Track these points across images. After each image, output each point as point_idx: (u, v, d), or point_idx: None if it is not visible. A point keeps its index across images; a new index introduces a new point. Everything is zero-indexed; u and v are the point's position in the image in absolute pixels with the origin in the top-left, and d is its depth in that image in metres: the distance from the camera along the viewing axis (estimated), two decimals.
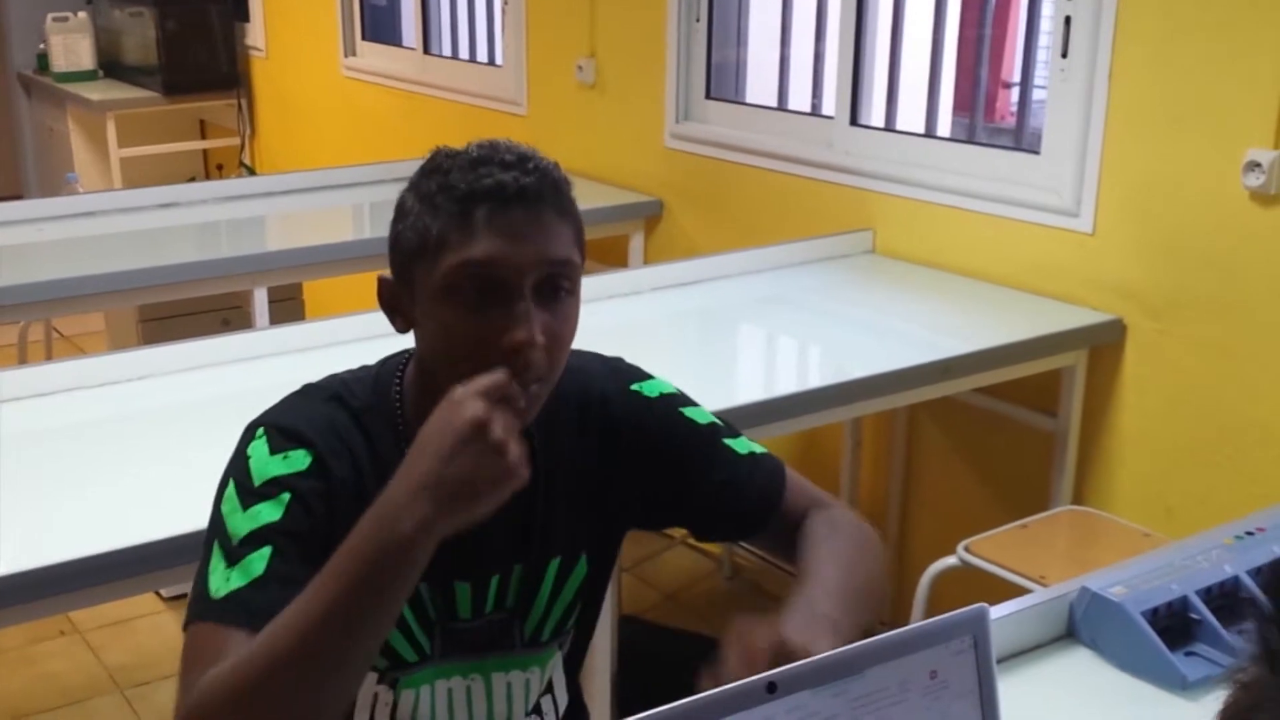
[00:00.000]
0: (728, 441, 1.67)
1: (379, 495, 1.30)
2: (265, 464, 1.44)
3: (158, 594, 3.90)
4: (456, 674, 1.60)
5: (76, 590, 1.95)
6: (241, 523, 1.41)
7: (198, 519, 1.96)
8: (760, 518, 1.66)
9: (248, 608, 1.36)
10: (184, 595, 3.94)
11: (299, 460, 1.45)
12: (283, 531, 1.40)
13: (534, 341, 1.40)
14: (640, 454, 1.63)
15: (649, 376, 1.70)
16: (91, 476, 2.25)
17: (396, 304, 1.51)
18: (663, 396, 1.67)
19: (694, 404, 1.70)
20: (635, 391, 1.66)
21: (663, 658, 3.42)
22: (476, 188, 1.41)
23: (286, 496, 1.42)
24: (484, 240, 1.40)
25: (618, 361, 1.71)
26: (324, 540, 1.39)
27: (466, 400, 1.29)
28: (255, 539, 1.40)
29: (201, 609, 1.39)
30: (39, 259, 3.66)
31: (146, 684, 3.55)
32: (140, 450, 2.38)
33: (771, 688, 1.09)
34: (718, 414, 1.72)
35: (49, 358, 4.91)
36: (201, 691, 1.29)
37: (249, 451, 1.47)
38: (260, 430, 1.48)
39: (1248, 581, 1.74)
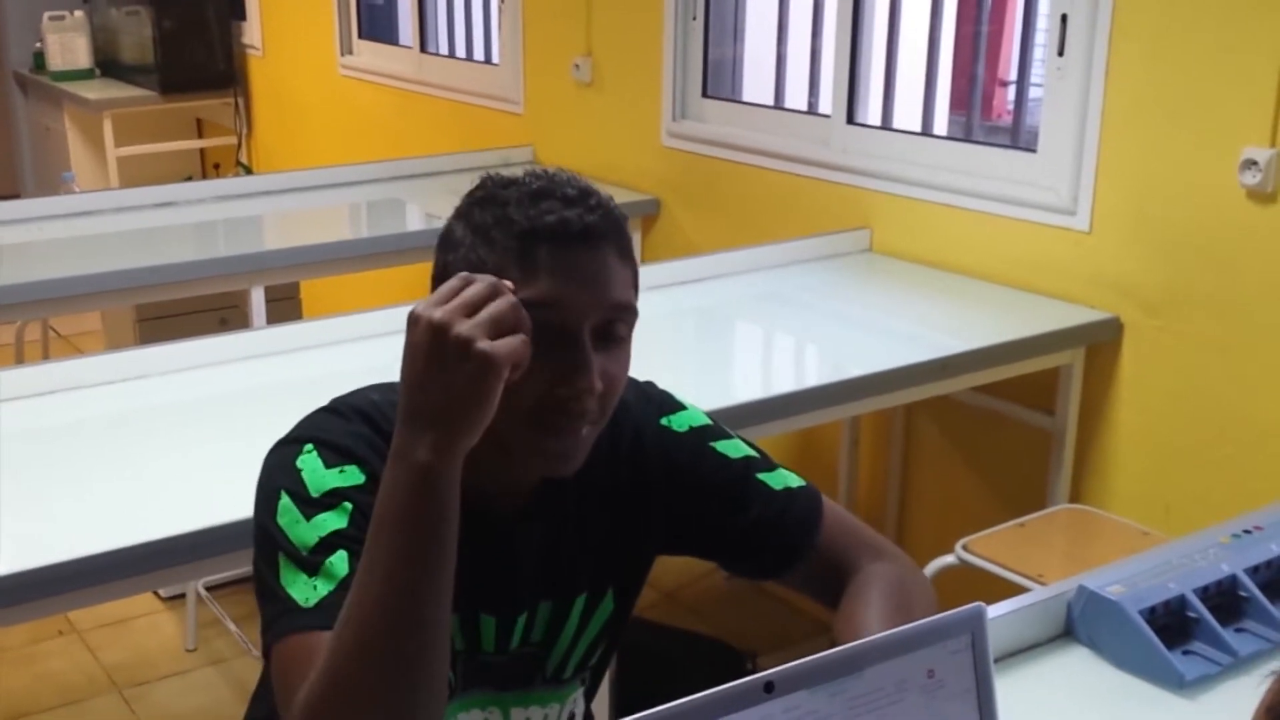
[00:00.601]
0: (761, 476, 1.63)
1: None
2: (322, 476, 1.40)
3: (156, 594, 3.90)
4: (475, 707, 1.58)
5: (75, 590, 1.94)
6: (307, 532, 1.37)
7: (195, 519, 1.99)
8: (791, 556, 1.62)
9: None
10: (181, 595, 3.93)
11: (354, 475, 1.41)
12: (351, 537, 1.36)
13: (594, 389, 1.37)
14: (669, 491, 1.60)
15: (681, 407, 1.66)
16: (89, 476, 2.25)
17: None
18: (693, 430, 1.63)
19: (727, 435, 1.66)
20: (665, 426, 1.62)
21: (662, 657, 3.43)
22: (539, 224, 1.36)
23: (349, 506, 1.38)
24: (545, 281, 1.35)
25: (649, 388, 1.67)
26: None
27: (421, 313, 1.24)
28: (328, 546, 1.36)
29: (293, 621, 1.34)
30: (35, 258, 3.66)
31: (145, 684, 3.55)
32: (138, 450, 2.37)
33: (769, 687, 1.09)
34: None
35: (46, 357, 4.91)
36: (300, 702, 1.26)
37: (299, 464, 1.42)
38: (309, 445, 1.43)
39: (1245, 580, 1.75)
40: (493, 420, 1.27)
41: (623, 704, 2.81)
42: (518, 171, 1.45)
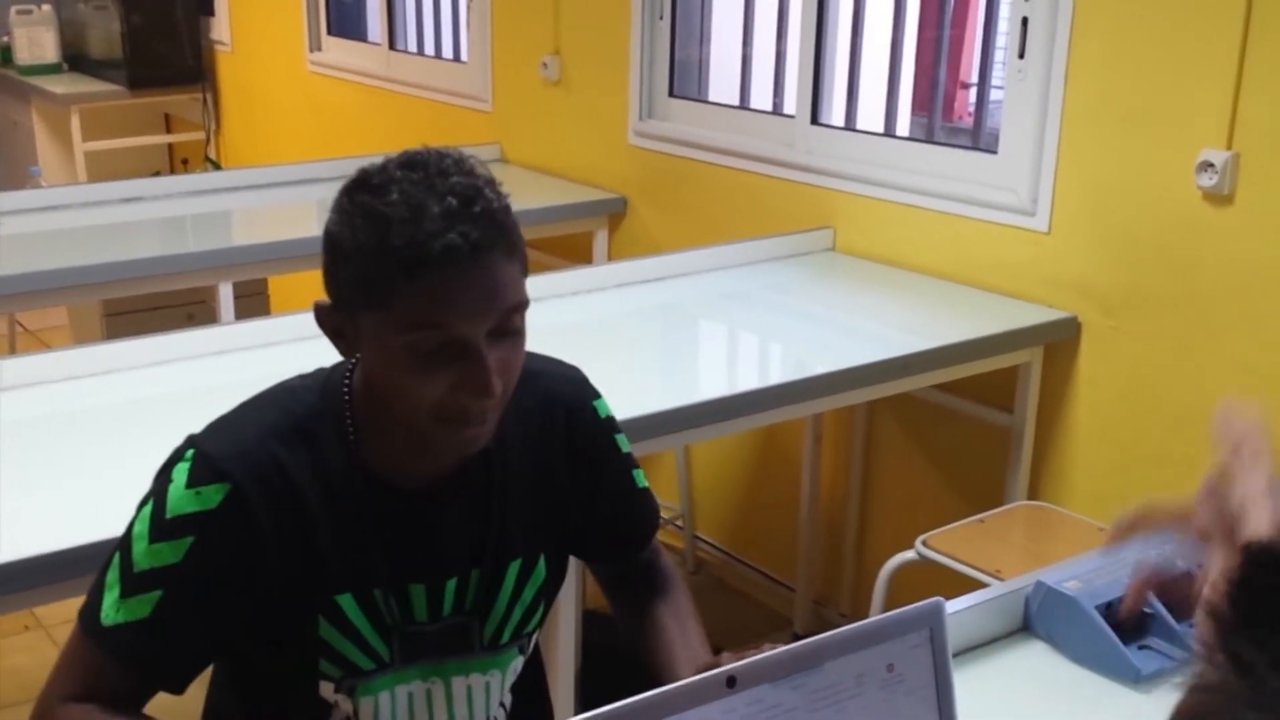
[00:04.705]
0: (635, 473, 1.77)
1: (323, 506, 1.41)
2: (179, 497, 1.46)
3: None
4: (416, 678, 1.61)
5: (41, 586, 1.95)
6: (143, 556, 1.46)
7: None
8: (633, 549, 1.80)
9: (127, 647, 1.46)
10: None
11: (211, 497, 1.46)
12: (177, 577, 1.45)
13: (494, 393, 1.42)
14: (584, 466, 1.69)
15: (600, 395, 1.74)
16: (55, 471, 2.25)
17: (339, 332, 1.49)
18: (608, 419, 1.73)
19: (621, 430, 1.76)
20: (594, 409, 1.71)
21: (626, 652, 3.44)
22: (424, 254, 1.35)
23: (189, 541, 1.45)
24: (436, 307, 1.37)
25: (576, 373, 1.73)
26: (225, 576, 1.46)
27: None
28: (150, 579, 1.45)
29: (89, 625, 1.48)
30: (1, 253, 3.63)
31: None
32: (105, 445, 2.37)
33: (731, 682, 1.10)
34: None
35: (12, 352, 4.89)
36: (42, 704, 1.48)
37: (172, 475, 1.49)
38: (190, 452, 1.50)
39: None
40: (401, 416, 1.42)
41: (586, 698, 2.83)
42: (394, 161, 1.43)
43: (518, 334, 1.46)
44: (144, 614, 1.45)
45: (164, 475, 1.50)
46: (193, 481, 1.46)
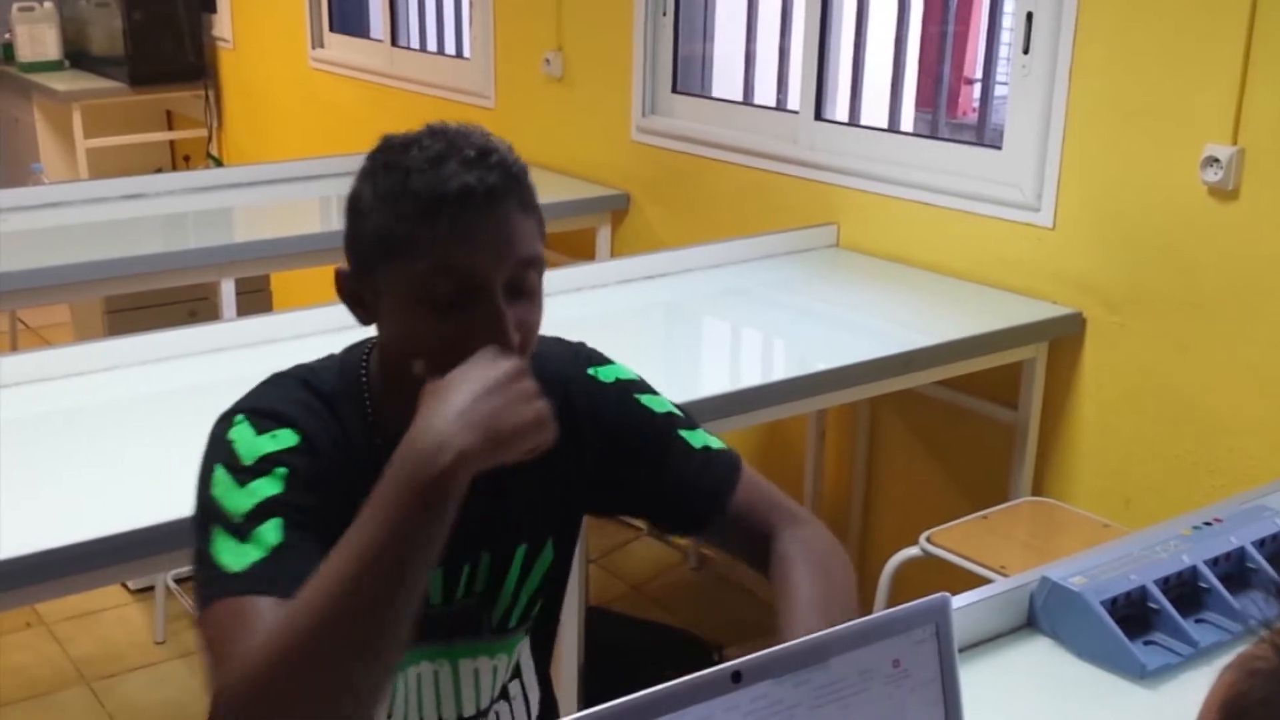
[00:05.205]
0: (683, 433, 1.67)
1: (395, 450, 1.29)
2: (253, 444, 1.42)
3: (124, 586, 3.89)
4: (425, 659, 1.61)
5: (43, 582, 1.94)
6: (242, 499, 1.38)
7: (164, 511, 1.98)
8: (707, 513, 1.66)
9: (272, 575, 1.33)
10: (150, 587, 3.91)
11: (287, 438, 1.43)
12: (287, 503, 1.38)
13: (511, 344, 1.40)
14: (594, 440, 1.63)
15: (608, 361, 1.70)
16: (57, 468, 2.24)
17: (358, 298, 1.49)
18: (618, 382, 1.68)
19: (653, 391, 1.70)
20: (591, 376, 1.66)
21: (630, 648, 3.44)
22: (441, 192, 1.38)
23: (283, 470, 1.40)
24: (453, 247, 1.39)
25: (579, 346, 1.71)
26: (322, 514, 1.38)
27: (500, 357, 1.33)
28: (261, 512, 1.37)
29: (220, 587, 1.34)
30: (3, 250, 3.63)
31: (113, 676, 3.54)
32: (106, 442, 2.37)
33: (736, 677, 1.10)
34: (682, 406, 1.72)
35: (13, 349, 4.89)
36: (245, 661, 1.25)
37: (231, 436, 1.44)
38: (239, 416, 1.46)
39: (1206, 571, 1.77)
40: (416, 380, 1.36)
41: (590, 694, 2.82)
42: (419, 127, 1.47)
43: (534, 295, 1.46)
44: (275, 540, 1.35)
45: (220, 443, 1.44)
46: (261, 430, 1.43)
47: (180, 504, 1.98)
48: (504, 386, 1.30)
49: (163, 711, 3.42)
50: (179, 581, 3.79)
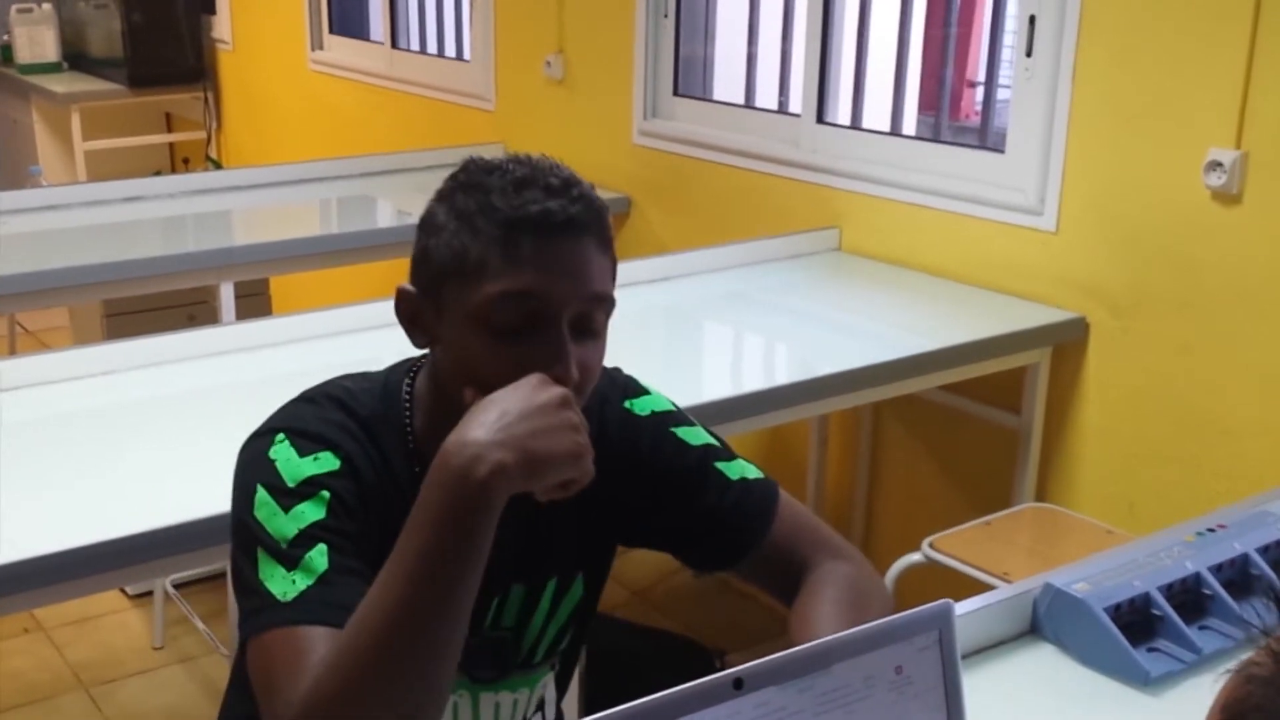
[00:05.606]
0: (719, 465, 1.63)
1: (425, 473, 1.28)
2: (297, 466, 1.40)
3: (123, 591, 3.88)
4: None
5: (41, 587, 1.93)
6: (286, 524, 1.37)
7: (163, 516, 1.98)
8: (741, 547, 1.61)
9: (324, 604, 1.32)
10: (149, 593, 3.89)
11: (329, 461, 1.41)
12: (331, 529, 1.37)
13: (570, 378, 1.37)
14: (628, 473, 1.59)
15: (645, 391, 1.66)
16: (56, 472, 2.24)
17: (418, 318, 1.46)
18: (654, 415, 1.64)
19: (690, 423, 1.66)
20: (627, 410, 1.63)
21: (632, 654, 3.43)
22: (522, 214, 1.37)
23: (326, 495, 1.38)
24: (528, 271, 1.37)
25: (615, 373, 1.67)
26: (363, 539, 1.37)
27: (548, 382, 1.31)
28: (306, 538, 1.36)
29: (271, 616, 1.33)
30: (1, 253, 3.63)
31: (111, 682, 3.53)
32: (105, 446, 2.37)
33: (738, 684, 1.09)
34: (718, 434, 1.68)
35: (12, 352, 4.88)
36: (307, 692, 1.25)
37: (272, 455, 1.42)
38: (280, 435, 1.43)
39: (1209, 578, 1.76)
40: (470, 406, 1.31)
41: (592, 702, 2.81)
42: (501, 155, 1.46)
43: (599, 335, 1.45)
44: (323, 567, 1.34)
45: (261, 462, 1.42)
46: (304, 452, 1.41)
47: (179, 509, 2.00)
48: (547, 411, 1.29)
49: (161, 716, 3.41)
50: (178, 587, 3.78)
